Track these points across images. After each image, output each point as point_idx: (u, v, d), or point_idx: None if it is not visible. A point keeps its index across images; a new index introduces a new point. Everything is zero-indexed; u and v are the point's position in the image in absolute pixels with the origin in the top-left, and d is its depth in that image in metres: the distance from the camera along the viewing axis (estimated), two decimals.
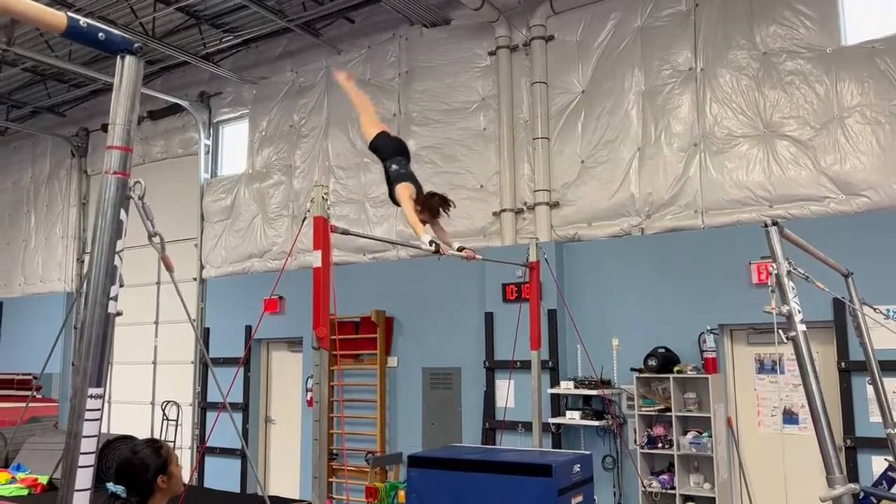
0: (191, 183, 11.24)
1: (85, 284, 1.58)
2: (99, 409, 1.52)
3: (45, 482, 8.75)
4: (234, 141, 11.27)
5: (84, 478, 1.48)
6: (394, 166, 5.20)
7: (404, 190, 5.03)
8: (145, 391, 11.17)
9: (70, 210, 13.05)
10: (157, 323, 11.25)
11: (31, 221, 13.69)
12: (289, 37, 10.21)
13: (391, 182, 5.18)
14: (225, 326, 10.40)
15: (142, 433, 9.09)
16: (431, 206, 5.06)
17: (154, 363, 11.27)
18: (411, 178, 5.17)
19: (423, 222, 5.04)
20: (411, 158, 5.59)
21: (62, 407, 12.12)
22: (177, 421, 10.51)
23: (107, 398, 1.59)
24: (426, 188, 8.72)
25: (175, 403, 10.60)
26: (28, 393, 11.65)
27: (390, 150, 5.34)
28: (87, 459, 1.49)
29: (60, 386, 12.29)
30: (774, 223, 2.87)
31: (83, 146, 13.00)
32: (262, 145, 10.63)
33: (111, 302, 1.55)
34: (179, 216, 10.93)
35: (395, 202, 5.20)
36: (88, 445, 1.49)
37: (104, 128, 12.24)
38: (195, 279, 10.86)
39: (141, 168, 11.49)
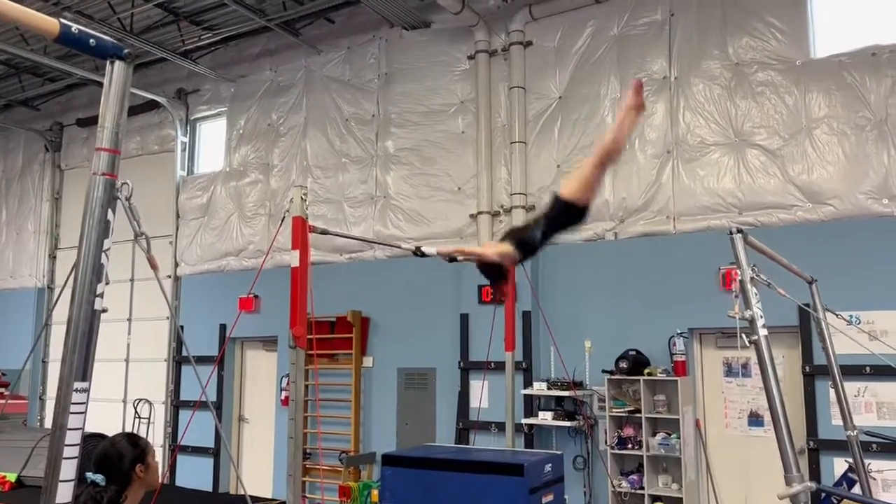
0: (166, 180, 11.17)
1: (72, 281, 1.62)
2: (84, 403, 1.57)
3: (13, 479, 8.64)
4: (212, 138, 11.23)
5: (68, 469, 1.54)
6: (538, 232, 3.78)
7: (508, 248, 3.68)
8: (117, 388, 11.09)
9: (43, 205, 12.88)
10: (129, 320, 11.17)
11: (3, 216, 13.49)
12: (268, 35, 10.20)
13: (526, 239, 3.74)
14: (199, 324, 10.34)
15: (114, 431, 9.03)
16: (494, 283, 4.09)
17: (126, 360, 11.19)
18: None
19: (467, 255, 4.23)
20: None
21: (32, 404, 11.97)
22: (149, 419, 10.45)
23: None
24: (404, 189, 8.99)
25: (147, 401, 10.53)
26: None
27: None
28: (71, 451, 1.55)
29: (31, 383, 12.13)
30: (739, 231, 2.95)
31: (57, 141, 12.86)
32: (240, 143, 10.61)
33: (97, 299, 1.61)
34: (154, 213, 10.83)
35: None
36: (73, 438, 1.55)
37: (79, 122, 12.29)
38: (169, 277, 10.79)
39: None
